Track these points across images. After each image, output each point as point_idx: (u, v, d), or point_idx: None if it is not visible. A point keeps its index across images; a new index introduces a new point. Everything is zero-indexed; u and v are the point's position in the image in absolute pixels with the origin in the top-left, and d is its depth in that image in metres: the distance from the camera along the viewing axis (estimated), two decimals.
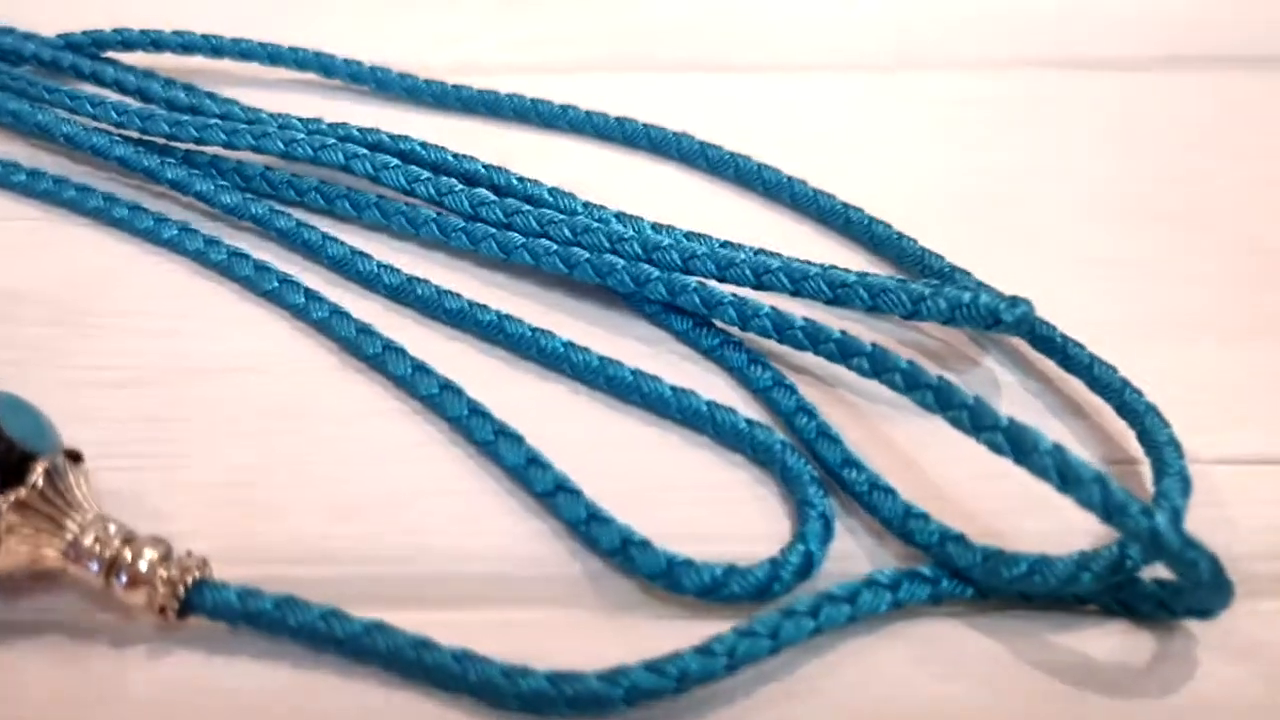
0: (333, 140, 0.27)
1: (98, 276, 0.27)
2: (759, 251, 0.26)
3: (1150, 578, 0.21)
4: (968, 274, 0.26)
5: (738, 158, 0.29)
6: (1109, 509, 0.19)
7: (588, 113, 0.30)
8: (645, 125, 0.30)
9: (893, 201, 0.28)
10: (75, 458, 0.21)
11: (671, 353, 0.25)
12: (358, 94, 0.32)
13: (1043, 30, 0.35)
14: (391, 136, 0.28)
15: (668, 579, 0.21)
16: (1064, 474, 0.19)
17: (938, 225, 0.27)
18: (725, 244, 0.26)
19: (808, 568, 0.21)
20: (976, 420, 0.21)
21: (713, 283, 0.25)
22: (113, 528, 0.20)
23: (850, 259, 0.27)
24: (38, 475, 0.20)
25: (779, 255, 0.26)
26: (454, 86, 0.31)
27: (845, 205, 0.27)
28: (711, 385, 0.24)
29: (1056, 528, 0.22)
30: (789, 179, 0.28)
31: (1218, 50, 0.35)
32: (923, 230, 0.27)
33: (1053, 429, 0.23)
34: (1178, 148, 0.31)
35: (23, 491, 0.20)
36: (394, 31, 0.34)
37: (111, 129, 0.29)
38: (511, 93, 0.31)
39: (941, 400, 0.21)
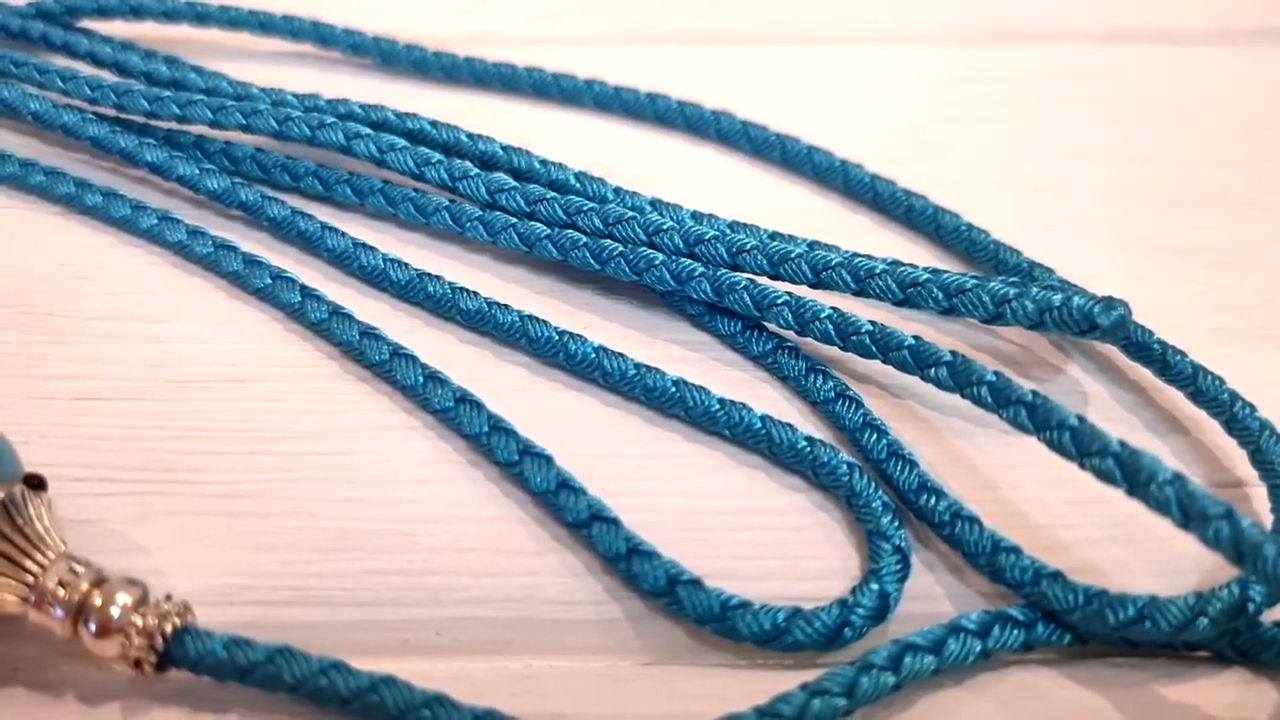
0: (332, 118, 0.24)
1: (67, 272, 0.24)
2: (814, 244, 0.23)
3: (1272, 621, 0.18)
4: (1049, 270, 0.23)
5: (784, 139, 0.26)
6: (1240, 550, 0.16)
7: (616, 88, 0.27)
8: (680, 102, 0.27)
9: (939, 185, 0.25)
10: (37, 484, 0.19)
11: (717, 359, 0.22)
12: (359, 67, 0.29)
13: (1085, 2, 0.32)
14: (398, 115, 0.25)
15: (721, 624, 0.18)
16: (1186, 509, 0.17)
17: (988, 211, 0.24)
18: (776, 235, 0.23)
19: (883, 610, 0.18)
20: (1081, 443, 0.18)
21: (764, 280, 0.22)
22: (80, 568, 0.17)
23: (914, 252, 0.24)
24: None
25: (837, 249, 0.23)
26: (466, 59, 0.28)
27: (907, 193, 0.25)
28: (764, 397, 0.21)
29: (1159, 558, 0.19)
30: (843, 163, 0.25)
31: (1272, 23, 0.32)
32: (972, 218, 0.24)
33: (1150, 446, 0.21)
34: (1235, 128, 0.28)
35: None
36: (397, 5, 0.31)
37: (85, 105, 0.26)
38: (530, 66, 0.28)
39: (1037, 419, 0.18)
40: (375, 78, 0.29)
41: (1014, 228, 0.24)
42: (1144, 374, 0.22)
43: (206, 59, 0.29)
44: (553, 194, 0.23)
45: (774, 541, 0.20)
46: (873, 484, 0.20)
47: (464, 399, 0.21)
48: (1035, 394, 0.19)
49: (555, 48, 0.30)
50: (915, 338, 0.20)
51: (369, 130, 0.24)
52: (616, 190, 0.24)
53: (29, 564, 0.17)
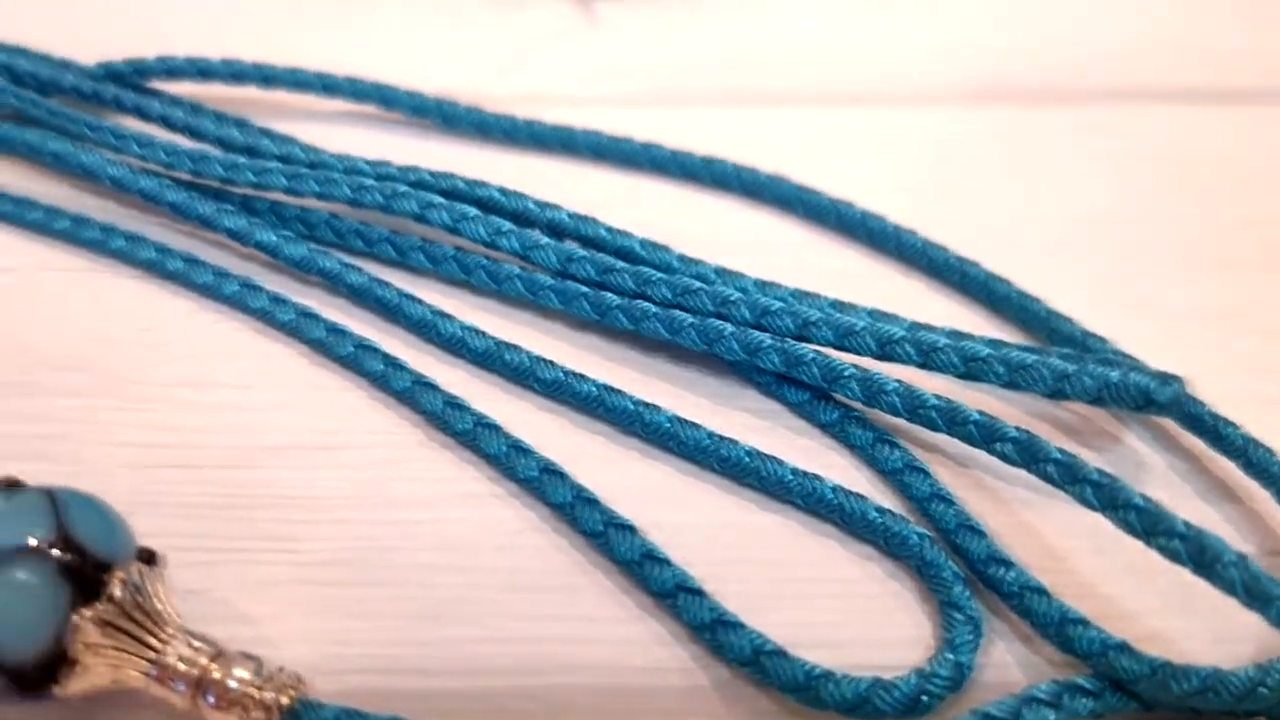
0: (405, 187, 0.25)
1: (151, 338, 0.25)
2: (877, 315, 0.24)
3: None
4: (1102, 340, 0.24)
5: (839, 205, 0.27)
6: None
7: (673, 152, 0.28)
8: (736, 167, 0.28)
9: (973, 246, 0.26)
10: (150, 559, 0.19)
11: (786, 427, 0.23)
12: (420, 127, 0.30)
13: (1110, 61, 0.33)
14: (468, 182, 0.26)
15: (805, 693, 0.19)
16: (1250, 589, 0.18)
17: (1025, 272, 0.25)
18: (838, 304, 0.24)
19: (959, 680, 0.19)
20: (1147, 523, 0.19)
21: (831, 351, 0.23)
22: (198, 643, 0.18)
23: (968, 318, 0.25)
24: (116, 587, 0.18)
25: (899, 320, 0.24)
26: (526, 122, 0.29)
27: (960, 260, 0.25)
28: (833, 465, 0.22)
29: (1221, 627, 0.20)
30: (896, 229, 0.26)
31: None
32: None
33: (1204, 514, 0.22)
34: (1254, 189, 0.29)
35: (100, 608, 0.18)
36: (453, 59, 0.32)
37: (160, 169, 0.27)
38: (588, 129, 0.29)
39: (1104, 497, 0.19)
40: (436, 138, 0.29)
41: (1037, 288, 0.25)
42: (1197, 442, 0.23)
43: (272, 119, 0.30)
44: (622, 264, 0.24)
45: (848, 610, 0.20)
46: (943, 554, 0.20)
47: (548, 469, 0.22)
48: (1101, 473, 0.20)
49: (605, 107, 0.31)
50: (981, 413, 0.21)
51: (442, 199, 0.25)
52: (680, 258, 0.25)
53: (151, 640, 0.18)
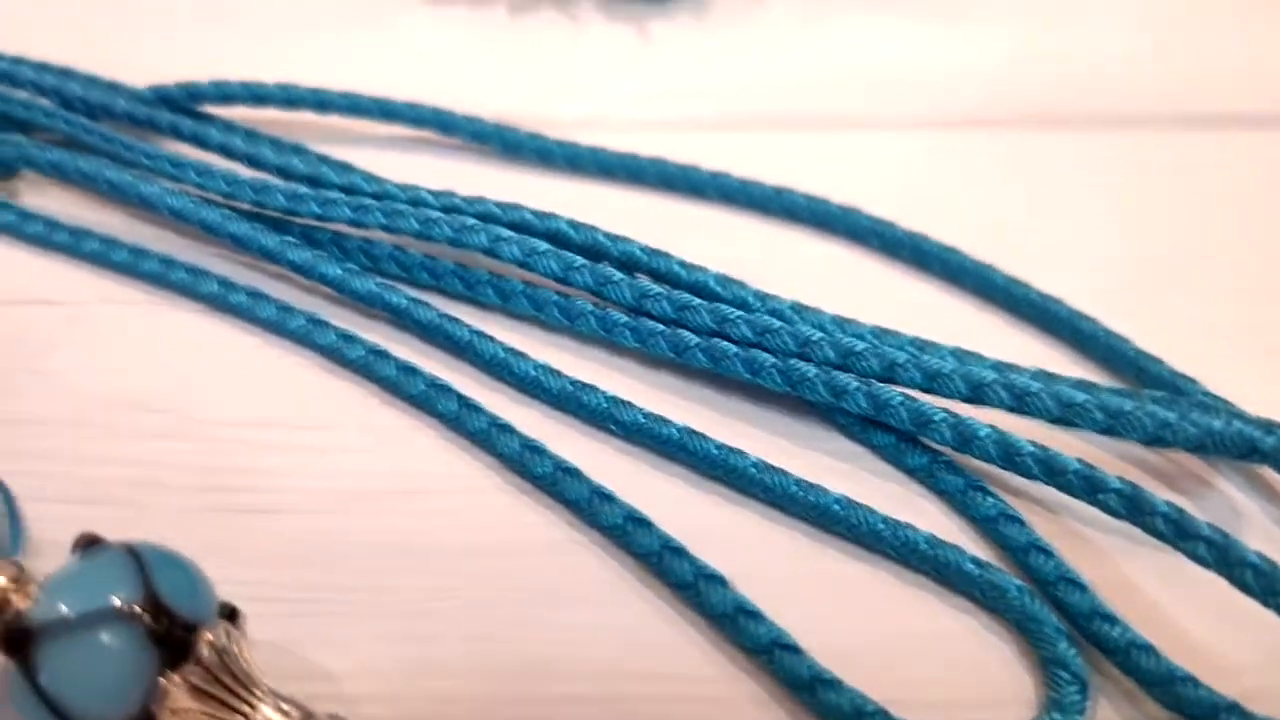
0: (473, 219, 0.25)
1: (217, 375, 0.24)
2: (962, 354, 0.23)
3: None
4: (1192, 381, 0.23)
5: (915, 237, 0.26)
6: None
7: (742, 181, 0.28)
8: (807, 198, 0.27)
9: (1048, 279, 0.25)
10: (232, 615, 0.19)
11: (870, 471, 0.23)
12: (480, 153, 0.29)
13: (1181, 85, 0.32)
14: (536, 214, 0.25)
15: None
16: None
17: (1101, 306, 0.25)
18: (920, 343, 0.24)
19: None
20: (1265, 583, 0.18)
21: (918, 393, 0.22)
22: (286, 705, 0.18)
23: (1052, 356, 0.25)
24: (203, 648, 0.18)
25: (986, 360, 0.23)
26: (589, 149, 0.28)
27: (1042, 296, 0.25)
28: (923, 512, 0.22)
29: None
30: (974, 263, 0.26)
31: None
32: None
33: None
34: None
35: (188, 671, 0.17)
36: (512, 82, 0.31)
37: (218, 198, 0.26)
38: (654, 157, 0.28)
39: (1218, 556, 0.19)
40: (496, 164, 0.29)
41: (1138, 330, 0.24)
42: None
43: (326, 143, 0.29)
44: (698, 300, 0.24)
45: (946, 666, 0.20)
46: (1045, 608, 0.20)
47: (632, 517, 0.21)
48: (1213, 528, 0.19)
49: (660, 131, 0.30)
50: (1080, 461, 0.21)
51: (511, 233, 0.25)
52: (756, 293, 0.24)
53: (239, 704, 0.18)
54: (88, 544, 0.19)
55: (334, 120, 0.29)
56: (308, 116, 0.29)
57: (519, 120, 0.30)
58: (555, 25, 0.33)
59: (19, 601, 0.18)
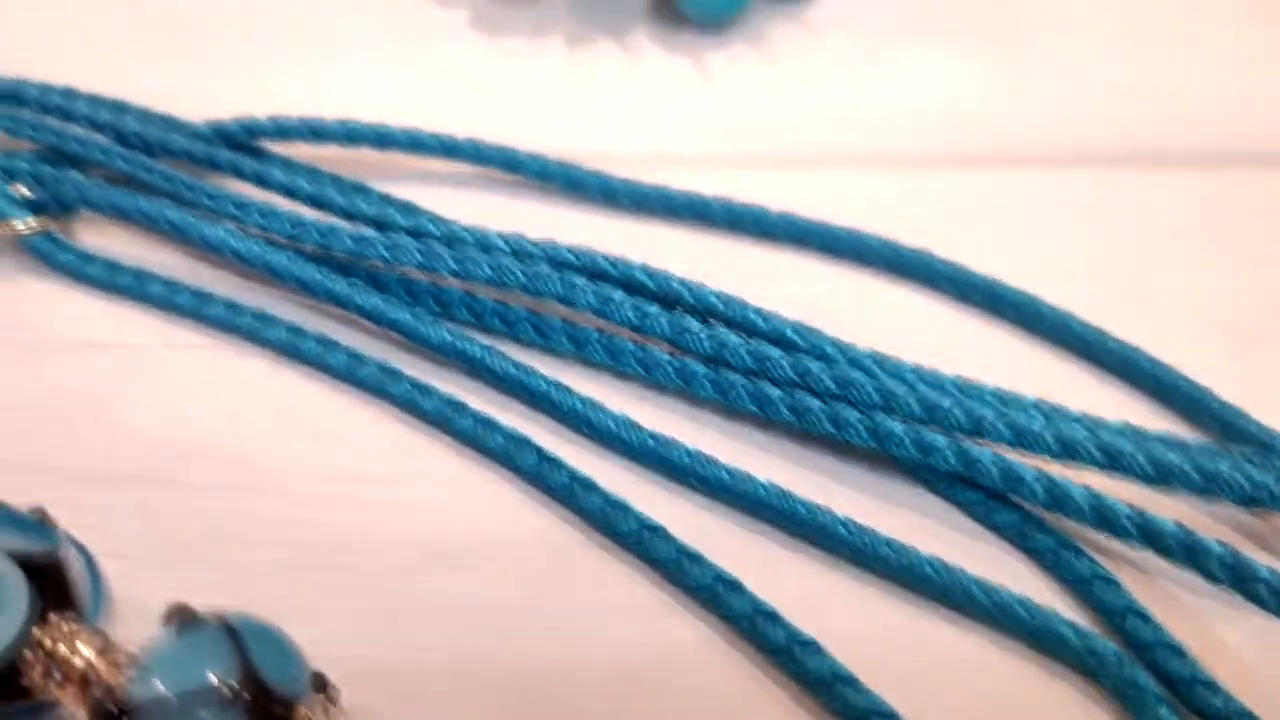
0: (546, 266, 0.24)
1: (287, 424, 0.24)
2: (1046, 408, 0.23)
3: None
4: (1278, 434, 0.23)
5: (989, 282, 0.26)
6: None
7: (810, 222, 0.27)
8: (877, 240, 0.27)
9: (1128, 326, 0.25)
10: (323, 686, 0.19)
11: (958, 529, 0.22)
12: (544, 191, 0.29)
13: (1261, 124, 0.32)
14: (609, 259, 0.25)
15: None
16: None
17: (1181, 356, 0.24)
18: (1003, 395, 0.23)
19: None
20: None
21: (1007, 449, 0.22)
22: None
23: (1134, 408, 0.24)
24: None
25: (1071, 413, 0.23)
26: (654, 188, 0.28)
27: (1121, 344, 0.25)
28: (1013, 573, 0.21)
29: None
30: (1051, 310, 0.25)
31: None
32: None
33: None
34: None
35: None
36: (570, 116, 0.31)
37: (282, 240, 0.26)
38: (720, 196, 0.28)
39: None
40: (560, 202, 0.28)
41: (1223, 381, 0.24)
42: None
43: (387, 180, 0.29)
44: (778, 352, 0.23)
45: None
46: (1145, 675, 0.20)
47: (721, 578, 0.21)
48: None
49: (724, 167, 0.29)
50: (1178, 525, 0.21)
51: (585, 280, 0.24)
52: (835, 343, 0.24)
53: None
54: (180, 615, 0.18)
55: (394, 156, 0.29)
56: (367, 152, 0.29)
57: (578, 155, 0.29)
58: (611, 56, 0.33)
59: (109, 675, 0.18)
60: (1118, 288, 0.27)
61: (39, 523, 0.19)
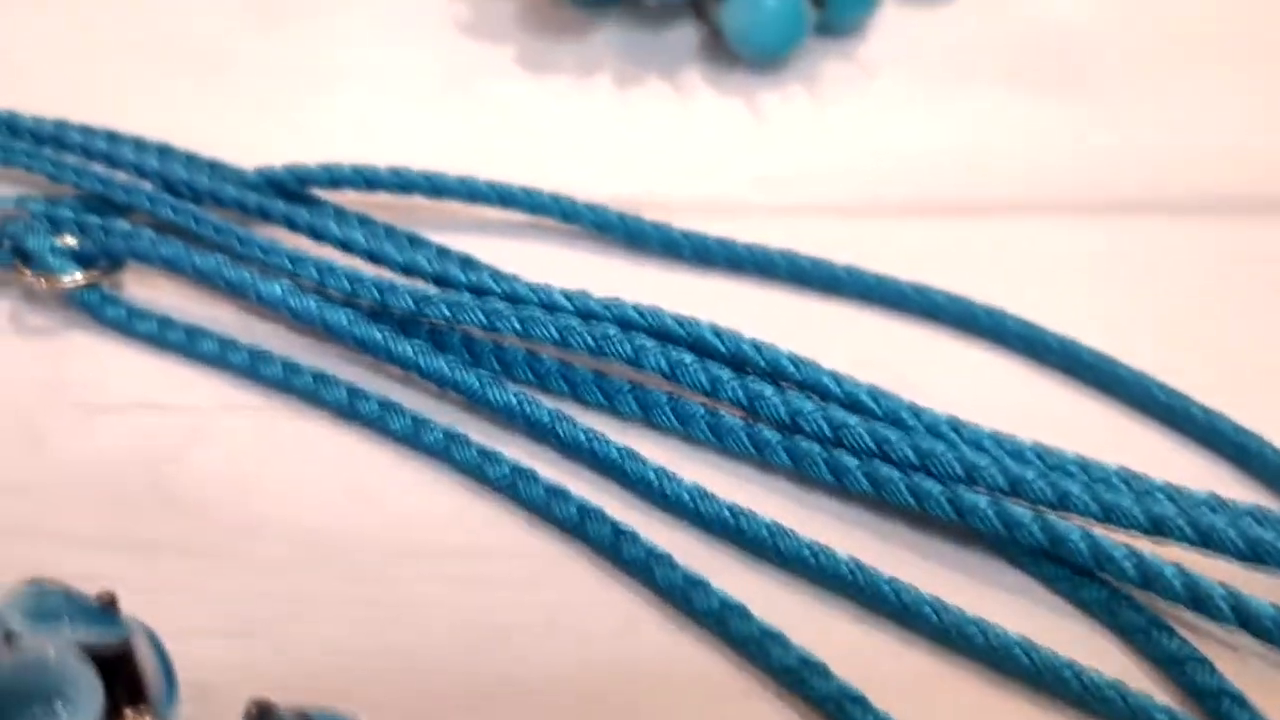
0: (614, 328, 0.24)
1: (348, 493, 0.23)
2: (1131, 477, 0.22)
3: None
4: None
5: (1065, 343, 0.25)
6: None
7: (878, 277, 0.27)
8: (947, 297, 0.26)
9: (1210, 391, 0.24)
10: None
11: (1042, 605, 0.22)
12: (600, 240, 0.28)
13: None
14: (678, 319, 0.24)
15: None
16: None
17: (1268, 423, 0.24)
18: (1084, 462, 0.23)
19: None
20: None
21: (1094, 524, 0.21)
22: None
23: (1218, 475, 0.23)
24: None
25: (1156, 483, 0.22)
26: (717, 241, 0.27)
27: (1205, 410, 0.24)
28: (1100, 652, 0.21)
29: None
30: (1131, 373, 0.25)
31: None
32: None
33: None
34: None
35: None
36: (623, 161, 0.30)
37: (339, 296, 0.25)
38: (785, 250, 0.27)
39: None
40: (620, 254, 0.28)
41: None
42: None
43: (440, 228, 0.28)
44: (856, 420, 0.23)
45: None
46: None
47: (806, 660, 0.20)
48: None
49: (783, 217, 0.29)
50: (1275, 606, 0.20)
51: (654, 342, 0.24)
52: (911, 408, 0.23)
53: None
54: (260, 711, 0.18)
55: (447, 203, 0.28)
56: (419, 200, 0.28)
57: (633, 201, 0.29)
58: (662, 96, 0.32)
59: None
60: (1189, 344, 0.26)
61: (108, 610, 0.19)
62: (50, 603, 0.18)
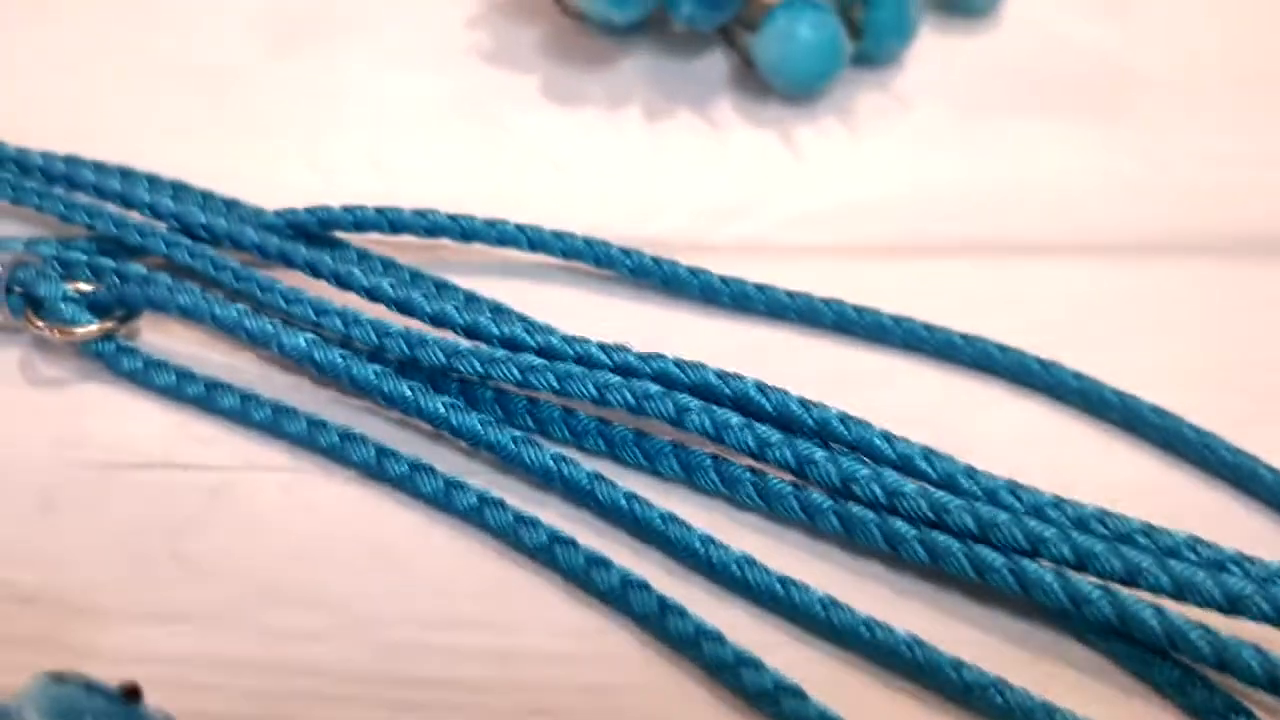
0: (655, 386, 0.23)
1: (376, 560, 0.22)
2: (1200, 545, 0.21)
3: None
4: None
5: (1125, 398, 0.24)
6: None
7: (928, 327, 0.25)
8: (1000, 348, 0.25)
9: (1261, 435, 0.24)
10: None
11: (1113, 685, 0.21)
12: (635, 285, 0.27)
13: None
14: (721, 376, 0.23)
15: None
16: None
17: None
18: (1154, 533, 0.22)
19: None
20: None
21: (1167, 600, 0.20)
22: None
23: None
24: None
25: (1227, 552, 0.21)
26: (758, 287, 0.26)
27: (1273, 471, 0.23)
28: None
29: None
30: (1195, 431, 0.24)
31: None
32: None
33: None
34: None
35: None
36: (658, 199, 0.29)
37: (365, 347, 0.24)
38: (829, 299, 0.26)
39: None
40: (657, 301, 0.27)
41: None
42: None
43: (469, 273, 0.27)
44: (912, 485, 0.22)
45: None
46: None
47: None
48: None
49: (824, 258, 0.28)
50: None
51: (697, 401, 0.23)
52: (967, 471, 0.22)
53: None
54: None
55: (478, 248, 0.27)
56: (448, 243, 0.27)
57: (668, 244, 0.28)
58: (693, 129, 0.31)
59: None
60: (1253, 394, 0.25)
61: (130, 702, 0.18)
62: (69, 699, 0.17)
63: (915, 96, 0.32)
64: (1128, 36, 0.34)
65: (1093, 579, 0.21)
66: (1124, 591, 0.20)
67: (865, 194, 0.30)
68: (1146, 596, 0.20)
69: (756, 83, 0.32)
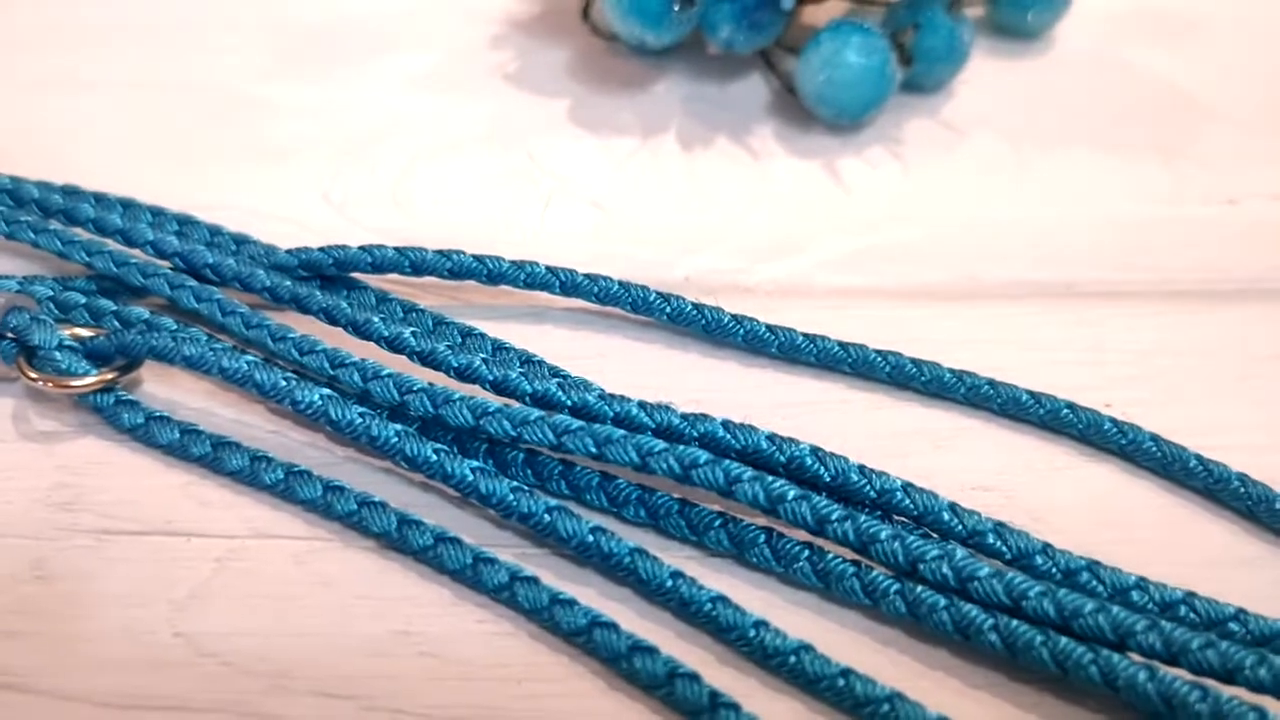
0: (704, 455, 0.21)
1: (411, 643, 0.20)
2: (1252, 621, 0.20)
3: None
4: None
5: (1210, 464, 0.22)
6: None
7: (991, 383, 0.24)
8: (1070, 407, 0.23)
9: None
10: None
11: None
12: (674, 332, 0.25)
13: None
14: (773, 439, 0.21)
15: None
16: None
17: None
18: (1247, 619, 0.20)
19: None
20: None
21: (1269, 700, 0.18)
22: None
23: None
24: None
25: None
26: (807, 338, 0.24)
27: None
28: None
29: None
30: (1265, 493, 0.22)
31: None
32: None
33: None
34: None
35: None
36: (697, 239, 0.27)
37: (382, 403, 0.22)
38: (885, 351, 0.24)
39: None
40: (698, 349, 0.25)
41: None
42: None
43: (495, 316, 0.25)
44: (987, 568, 0.20)
45: None
46: None
47: None
48: None
49: (871, 301, 0.26)
50: None
51: (749, 470, 0.21)
52: (1045, 550, 0.20)
53: None
54: None
55: (505, 289, 0.25)
56: (471, 284, 0.25)
57: (708, 285, 0.26)
58: (732, 159, 0.29)
59: None
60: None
61: None
62: None
63: (967, 126, 0.30)
64: (1189, 63, 0.32)
65: (1185, 674, 0.19)
66: (1223, 692, 0.18)
67: (915, 232, 0.28)
68: (1245, 694, 0.19)
69: (798, 110, 0.30)
